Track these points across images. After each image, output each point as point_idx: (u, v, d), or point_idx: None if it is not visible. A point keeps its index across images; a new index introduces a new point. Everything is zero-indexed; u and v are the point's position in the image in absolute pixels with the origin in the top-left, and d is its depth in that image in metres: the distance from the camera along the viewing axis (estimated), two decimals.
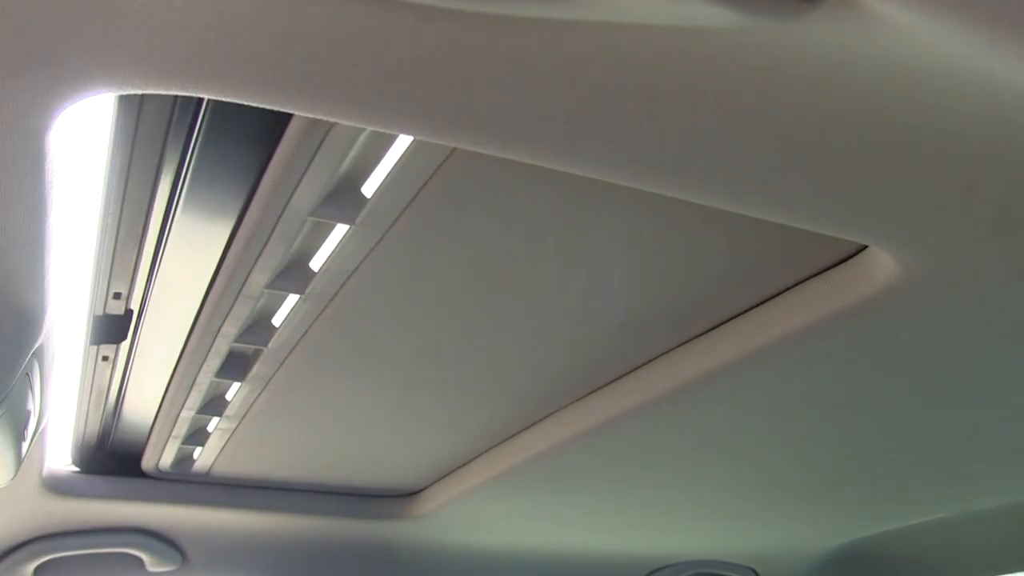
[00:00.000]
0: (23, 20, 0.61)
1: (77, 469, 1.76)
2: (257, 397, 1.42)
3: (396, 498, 1.90)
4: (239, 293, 1.11)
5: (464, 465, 1.71)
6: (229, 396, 1.45)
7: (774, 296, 1.10)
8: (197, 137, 0.91)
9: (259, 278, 1.08)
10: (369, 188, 0.94)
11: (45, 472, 1.63)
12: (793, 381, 1.20)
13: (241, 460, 1.71)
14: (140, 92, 0.69)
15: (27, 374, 1.13)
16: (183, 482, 1.78)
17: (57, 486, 1.67)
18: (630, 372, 1.31)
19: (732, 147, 0.73)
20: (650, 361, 1.28)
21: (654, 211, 0.96)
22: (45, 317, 1.03)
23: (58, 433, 1.66)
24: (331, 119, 0.71)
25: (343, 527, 1.89)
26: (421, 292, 1.12)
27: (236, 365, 1.33)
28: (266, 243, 1.00)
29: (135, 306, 1.24)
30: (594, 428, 1.40)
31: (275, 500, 1.84)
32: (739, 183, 0.79)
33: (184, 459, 1.71)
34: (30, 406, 1.22)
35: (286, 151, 0.88)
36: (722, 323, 1.17)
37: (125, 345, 1.34)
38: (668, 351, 1.25)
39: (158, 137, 0.92)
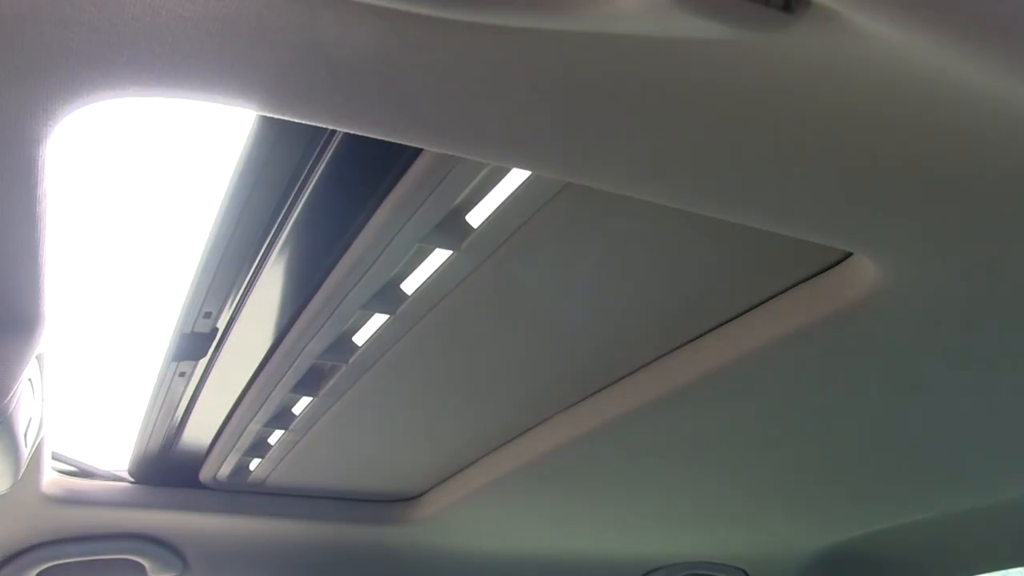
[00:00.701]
0: (23, 29, 0.62)
1: (131, 479, 1.78)
2: (326, 411, 1.45)
3: (396, 503, 1.91)
4: (333, 313, 1.15)
5: (463, 470, 1.72)
6: (295, 410, 1.48)
7: (762, 303, 1.11)
8: (320, 168, 0.95)
9: (356, 299, 1.12)
10: (475, 217, 0.99)
11: (46, 479, 1.63)
12: (782, 385, 1.21)
13: (294, 471, 1.74)
14: (140, 99, 0.71)
15: (29, 380, 1.14)
16: (192, 488, 1.80)
17: (58, 492, 1.67)
18: (623, 378, 1.32)
19: (719, 155, 0.75)
20: (642, 367, 1.29)
21: (646, 218, 0.98)
22: (46, 324, 1.04)
23: (120, 444, 1.71)
24: (331, 127, 0.73)
25: (343, 532, 1.90)
26: (489, 312, 1.17)
27: (311, 380, 1.37)
28: (370, 267, 1.05)
29: (221, 324, 1.27)
30: (589, 432, 1.41)
31: (276, 506, 1.84)
32: (726, 191, 0.80)
33: (241, 470, 1.74)
34: (31, 413, 1.23)
35: (409, 184, 0.92)
36: (711, 329, 1.18)
37: (203, 361, 1.37)
38: (659, 357, 1.26)
39: (287, 168, 0.96)
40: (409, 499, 1.90)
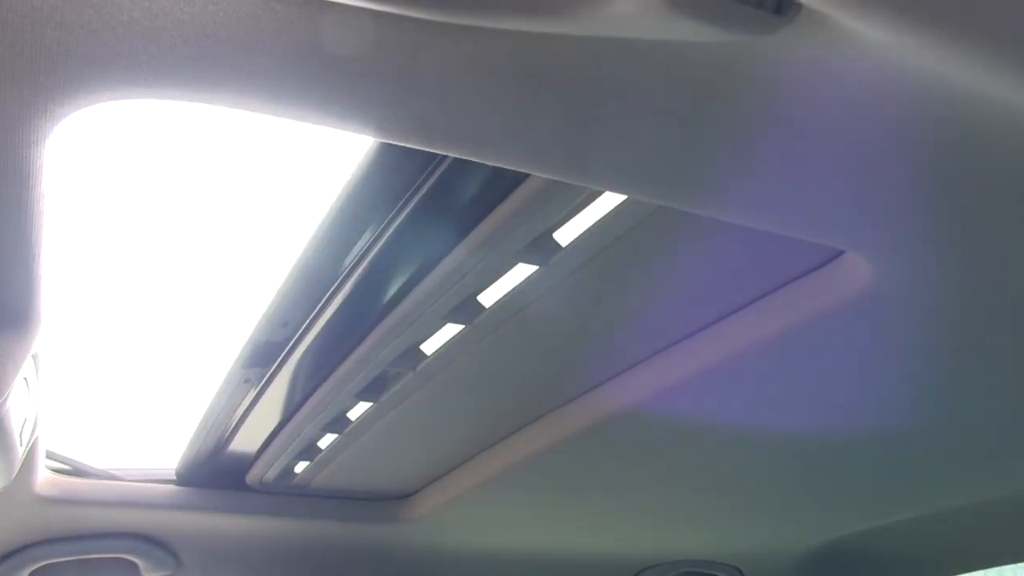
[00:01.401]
0: (22, 31, 0.63)
1: (176, 481, 1.79)
2: (384, 416, 1.47)
3: (389, 501, 1.91)
4: (415, 323, 1.18)
5: (456, 468, 1.73)
6: (351, 414, 1.50)
7: (754, 300, 1.12)
8: (422, 191, 0.98)
9: (438, 310, 1.15)
10: (563, 235, 1.02)
11: (40, 478, 1.63)
12: (775, 382, 1.22)
13: (341, 474, 1.76)
14: (138, 101, 0.71)
15: (24, 380, 1.14)
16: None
17: (52, 491, 1.67)
18: (617, 376, 1.33)
19: (712, 155, 0.75)
20: (636, 365, 1.30)
21: (651, 220, 0.99)
22: (43, 323, 1.04)
23: (170, 446, 1.73)
24: (328, 128, 0.73)
25: (336, 530, 1.90)
26: (554, 326, 1.21)
27: (375, 386, 1.39)
28: (459, 281, 1.08)
29: (295, 332, 1.29)
30: (582, 431, 1.41)
31: (269, 504, 1.85)
32: (720, 190, 0.81)
33: (287, 473, 1.75)
34: (27, 412, 1.23)
35: (515, 203, 0.95)
36: (703, 328, 1.19)
37: (271, 368, 1.39)
38: (653, 355, 1.27)
39: (391, 192, 1.00)
40: (402, 498, 1.90)
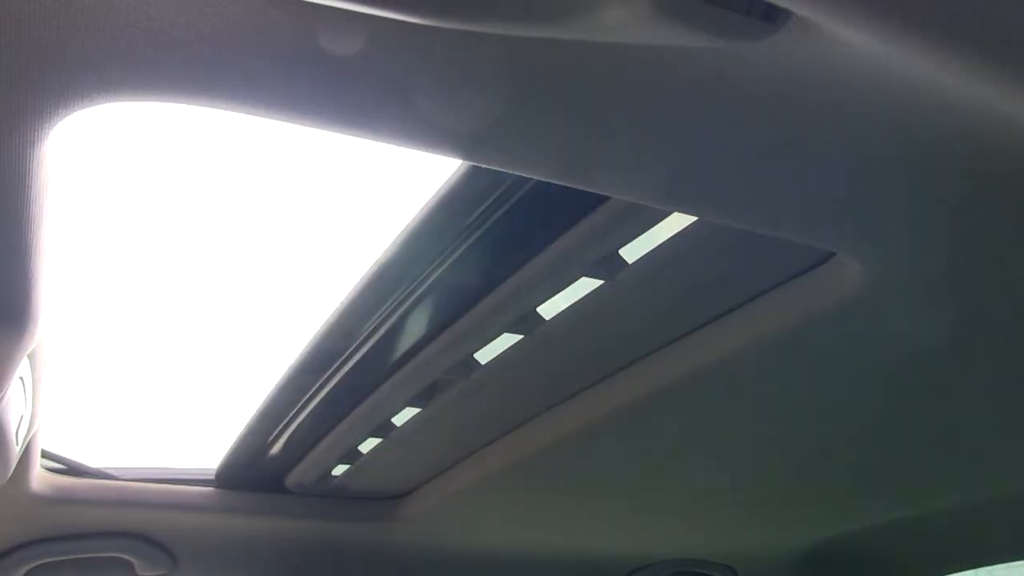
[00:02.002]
0: (20, 32, 0.63)
1: (215, 484, 1.81)
2: (427, 422, 1.50)
3: (384, 500, 1.92)
4: (479, 334, 1.21)
5: (451, 468, 1.73)
6: (396, 420, 1.52)
7: (745, 302, 1.13)
8: (501, 205, 1.01)
9: (501, 322, 1.17)
10: (629, 252, 1.06)
11: (36, 477, 1.63)
12: (767, 384, 1.23)
13: (376, 477, 1.79)
14: (136, 103, 0.72)
15: (20, 379, 1.15)
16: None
17: (48, 491, 1.67)
18: (611, 376, 1.33)
19: (705, 158, 0.76)
20: (630, 365, 1.30)
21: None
22: (40, 322, 1.04)
23: (210, 448, 1.75)
24: (328, 131, 0.74)
25: (331, 529, 1.91)
26: (598, 337, 1.24)
27: (426, 392, 1.41)
28: (526, 294, 1.11)
29: (355, 342, 1.30)
30: (576, 431, 1.42)
31: (264, 504, 1.85)
32: (712, 192, 0.82)
33: (325, 476, 1.77)
34: (23, 410, 1.24)
35: (593, 222, 0.98)
36: (695, 329, 1.20)
37: (327, 374, 1.41)
38: (646, 356, 1.27)
39: (469, 213, 1.02)
40: (397, 497, 1.91)
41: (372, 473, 1.80)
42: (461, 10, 0.58)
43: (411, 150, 0.75)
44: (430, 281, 1.15)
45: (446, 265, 1.12)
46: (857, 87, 0.65)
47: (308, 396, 1.48)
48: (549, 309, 1.19)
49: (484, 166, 0.78)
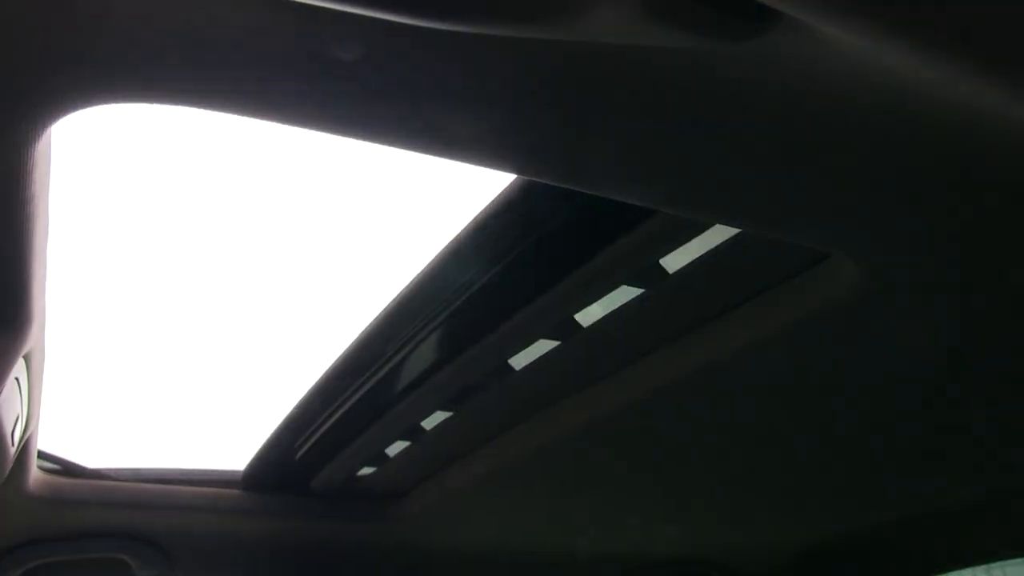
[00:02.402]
0: (14, 35, 0.63)
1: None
2: (452, 426, 1.51)
3: (380, 500, 1.92)
4: (519, 341, 1.22)
5: (447, 468, 1.73)
6: (425, 423, 1.54)
7: (741, 303, 1.13)
8: (546, 227, 1.03)
9: (540, 329, 1.19)
10: (669, 262, 1.08)
11: (32, 478, 1.63)
12: (764, 384, 1.23)
13: (375, 477, 1.79)
14: (135, 105, 0.72)
15: (16, 379, 1.15)
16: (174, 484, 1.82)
17: (44, 491, 1.67)
18: (606, 377, 1.34)
19: (698, 159, 0.76)
20: (627, 365, 1.30)
21: None
22: (35, 324, 1.04)
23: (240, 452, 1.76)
24: (328, 134, 0.74)
25: (330, 530, 1.91)
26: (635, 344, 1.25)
27: (459, 397, 1.43)
28: (567, 302, 1.13)
29: (393, 348, 1.32)
30: (572, 431, 1.42)
31: (260, 503, 1.85)
32: (707, 193, 0.82)
33: (350, 478, 1.78)
34: (19, 411, 1.24)
35: (638, 237, 1.00)
36: (692, 330, 1.20)
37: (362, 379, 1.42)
38: (643, 357, 1.28)
39: (519, 227, 1.04)
40: (394, 497, 1.91)
41: (372, 474, 1.80)
42: (457, 13, 0.58)
43: (411, 152, 0.75)
44: (475, 288, 1.17)
45: (488, 279, 1.14)
46: (849, 87, 0.66)
47: (341, 400, 1.50)
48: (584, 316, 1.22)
49: (481, 168, 0.78)
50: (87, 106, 0.70)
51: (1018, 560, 2.16)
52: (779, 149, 0.75)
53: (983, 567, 2.30)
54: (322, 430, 1.60)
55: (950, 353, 1.14)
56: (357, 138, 0.74)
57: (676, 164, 0.77)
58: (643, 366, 1.27)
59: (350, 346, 1.36)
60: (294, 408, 1.56)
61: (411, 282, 1.19)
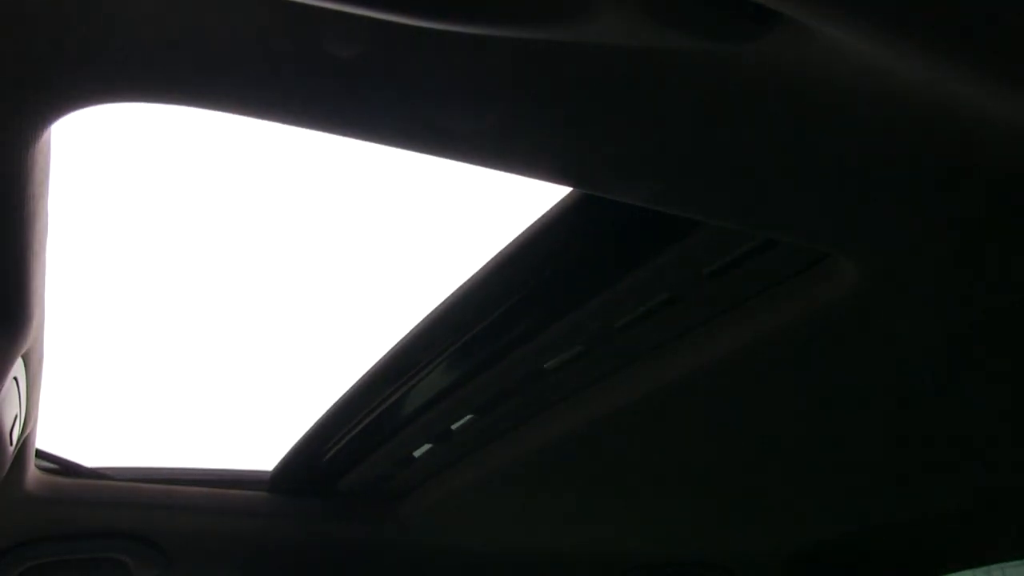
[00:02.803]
0: (15, 35, 0.63)
1: (266, 488, 1.84)
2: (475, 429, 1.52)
3: (381, 501, 1.92)
4: (559, 348, 1.24)
5: (449, 468, 1.73)
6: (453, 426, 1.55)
7: (740, 303, 1.13)
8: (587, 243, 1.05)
9: (576, 338, 1.20)
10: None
11: (31, 477, 1.63)
12: (764, 384, 1.23)
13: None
14: (137, 104, 0.72)
15: (14, 379, 1.15)
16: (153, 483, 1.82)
17: (42, 491, 1.67)
18: (606, 378, 1.34)
19: (699, 160, 0.77)
20: (627, 366, 1.31)
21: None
22: (34, 323, 1.04)
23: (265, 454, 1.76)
24: (330, 134, 0.74)
25: (330, 531, 1.91)
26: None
27: (490, 403, 1.44)
28: (606, 313, 1.14)
29: (429, 354, 1.33)
30: (573, 432, 1.42)
31: (259, 504, 1.85)
32: (708, 193, 0.82)
33: (373, 480, 1.79)
34: (17, 410, 1.24)
35: (685, 249, 1.01)
36: (694, 329, 1.20)
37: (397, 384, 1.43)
38: (642, 358, 1.28)
39: (561, 246, 1.06)
40: (394, 497, 1.91)
41: (372, 474, 1.80)
42: (460, 13, 0.58)
43: (411, 152, 0.75)
44: (515, 301, 1.18)
45: (531, 290, 1.15)
46: (848, 88, 0.66)
47: (375, 405, 1.50)
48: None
49: (483, 168, 0.79)
50: (88, 106, 0.70)
51: (1018, 561, 2.17)
52: (779, 149, 0.75)
53: (983, 568, 2.30)
54: (352, 434, 1.61)
55: (949, 353, 1.14)
56: (359, 139, 0.74)
57: (676, 164, 0.77)
58: (643, 369, 1.28)
59: (387, 353, 1.37)
60: (326, 412, 1.57)
61: (454, 292, 1.21)
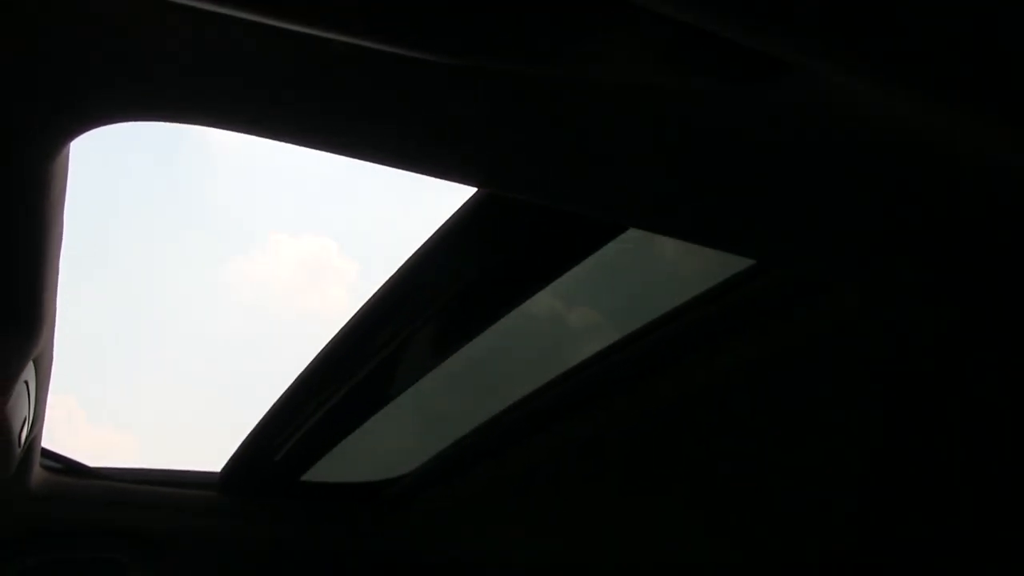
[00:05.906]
0: (40, 54, 0.65)
1: (211, 487, 1.84)
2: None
3: (380, 504, 1.92)
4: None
5: (448, 474, 1.74)
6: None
7: (741, 316, 1.15)
8: None
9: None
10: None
11: (35, 476, 1.64)
12: (770, 394, 1.24)
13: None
14: (148, 122, 0.74)
15: (25, 381, 1.16)
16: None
17: (46, 490, 1.68)
18: (604, 389, 1.35)
19: (702, 191, 0.79)
20: (628, 374, 1.32)
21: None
22: (45, 327, 1.06)
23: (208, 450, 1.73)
24: (335, 153, 0.76)
25: (330, 531, 1.91)
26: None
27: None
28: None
29: (380, 343, 1.30)
30: (573, 441, 1.44)
31: (260, 506, 1.86)
32: (710, 223, 0.84)
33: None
34: (26, 412, 1.25)
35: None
36: (689, 344, 1.22)
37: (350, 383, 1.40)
38: (643, 366, 1.30)
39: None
40: (393, 502, 1.92)
41: (370, 474, 1.81)
42: (472, 51, 0.60)
43: (415, 173, 0.77)
44: (466, 283, 1.14)
45: (483, 267, 1.12)
46: (852, 129, 0.68)
47: (323, 399, 1.48)
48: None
49: (483, 190, 0.81)
50: (107, 123, 0.72)
51: None
52: (778, 184, 0.77)
53: None
54: (303, 430, 1.59)
55: (949, 363, 1.15)
56: (360, 158, 0.76)
57: (677, 195, 0.79)
58: (646, 381, 1.29)
59: (330, 342, 1.32)
60: (272, 408, 1.54)
61: (396, 273, 1.14)
